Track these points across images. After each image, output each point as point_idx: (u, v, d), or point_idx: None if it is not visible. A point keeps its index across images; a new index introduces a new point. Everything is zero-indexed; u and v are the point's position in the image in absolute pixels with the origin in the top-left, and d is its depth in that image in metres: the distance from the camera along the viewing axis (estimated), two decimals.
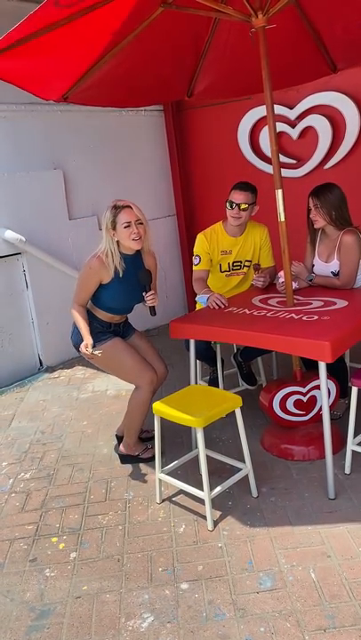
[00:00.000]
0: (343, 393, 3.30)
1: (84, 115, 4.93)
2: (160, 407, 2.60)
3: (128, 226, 2.81)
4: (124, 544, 2.49)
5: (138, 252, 2.96)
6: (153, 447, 3.08)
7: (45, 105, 4.55)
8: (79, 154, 4.95)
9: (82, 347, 2.86)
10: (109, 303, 2.97)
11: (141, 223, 2.86)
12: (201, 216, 5.72)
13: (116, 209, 2.84)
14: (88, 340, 2.85)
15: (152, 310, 2.99)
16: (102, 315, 3.01)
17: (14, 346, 4.59)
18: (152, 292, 2.94)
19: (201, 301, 3.30)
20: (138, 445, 3.18)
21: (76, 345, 3.00)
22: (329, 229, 3.24)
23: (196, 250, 3.48)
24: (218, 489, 2.56)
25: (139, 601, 2.15)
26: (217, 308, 3.11)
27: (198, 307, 3.62)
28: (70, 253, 4.85)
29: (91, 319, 2.97)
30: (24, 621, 2.11)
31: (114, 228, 2.83)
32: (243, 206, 3.30)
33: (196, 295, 3.65)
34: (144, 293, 2.94)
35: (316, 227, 3.27)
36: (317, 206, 3.17)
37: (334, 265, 3.24)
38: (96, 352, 2.81)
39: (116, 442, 3.36)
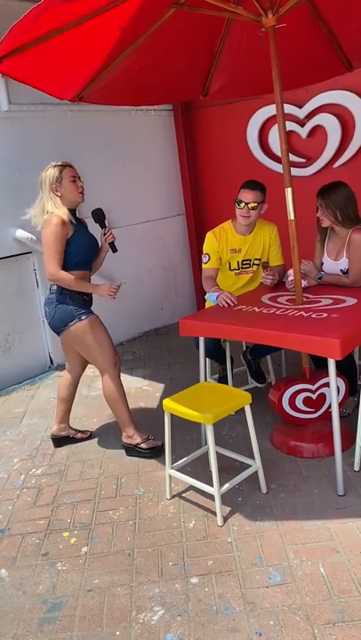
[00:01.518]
0: (353, 391, 3.31)
1: (93, 115, 4.96)
2: (170, 404, 2.62)
3: (74, 180, 3.03)
4: (134, 539, 2.52)
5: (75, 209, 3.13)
6: (154, 439, 3.17)
7: (56, 105, 4.59)
8: (89, 154, 4.98)
9: (106, 290, 2.99)
10: (78, 255, 3.05)
11: (80, 179, 3.08)
12: (210, 215, 5.74)
13: (60, 166, 3.03)
14: (103, 286, 3.03)
15: (112, 247, 3.17)
16: (79, 279, 3.06)
17: (25, 344, 4.64)
18: (108, 227, 3.17)
19: (210, 299, 3.32)
20: (137, 434, 3.21)
21: (61, 327, 3.08)
22: (338, 228, 3.25)
23: (205, 248, 3.50)
24: (227, 485, 2.59)
25: (149, 594, 2.17)
26: (226, 306, 3.13)
27: (208, 305, 3.64)
28: None
29: (69, 292, 3.06)
30: (36, 614, 2.15)
31: (60, 182, 2.99)
32: (252, 205, 3.31)
33: (205, 294, 3.69)
34: (102, 231, 3.16)
35: (322, 226, 3.28)
36: (322, 206, 3.18)
37: (343, 263, 3.25)
38: (123, 285, 3.10)
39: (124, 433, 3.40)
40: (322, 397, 3.02)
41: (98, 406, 3.98)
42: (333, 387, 2.58)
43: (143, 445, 3.17)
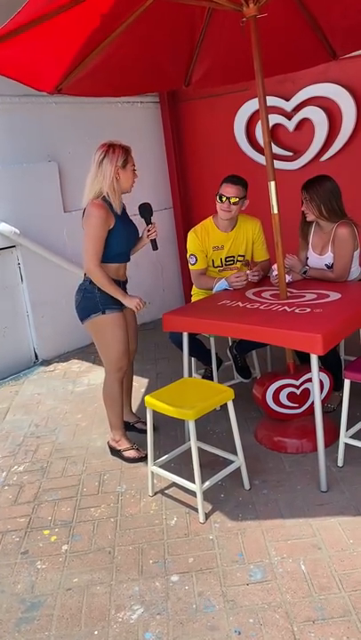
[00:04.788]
0: (337, 386, 3.29)
1: (78, 106, 4.90)
2: (152, 400, 2.59)
3: (135, 169, 2.93)
4: (115, 536, 2.49)
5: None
6: (138, 448, 3.10)
7: (40, 97, 4.52)
8: (74, 146, 4.92)
9: (135, 304, 2.88)
10: (117, 248, 2.93)
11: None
12: (198, 209, 5.70)
13: (128, 151, 2.93)
14: (133, 299, 2.90)
15: (154, 244, 3.04)
16: (113, 271, 2.96)
17: (9, 339, 4.59)
18: (153, 224, 3.04)
19: (221, 287, 3.29)
20: (123, 441, 3.14)
21: (84, 316, 2.97)
22: (322, 222, 3.23)
23: (190, 249, 3.46)
24: (209, 482, 2.56)
25: (129, 593, 2.15)
26: (243, 285, 3.20)
27: (194, 298, 3.61)
28: (65, 246, 4.83)
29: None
30: (14, 613, 2.12)
31: (124, 167, 2.87)
32: (233, 200, 3.27)
33: (191, 287, 3.66)
34: (147, 226, 3.04)
35: (308, 219, 3.26)
36: (307, 200, 3.16)
37: (328, 257, 3.22)
38: (147, 305, 2.98)
39: (110, 435, 3.37)
40: (306, 392, 3.00)
41: (82, 402, 3.95)
42: (316, 382, 2.56)
43: (126, 454, 3.10)
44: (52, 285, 4.69)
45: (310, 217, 3.20)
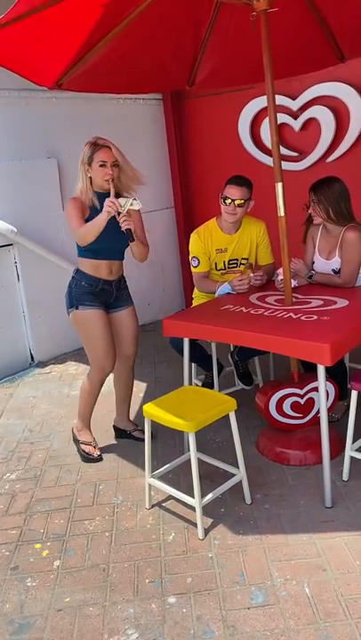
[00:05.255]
0: (342, 395, 3.18)
1: (80, 102, 4.78)
2: (150, 409, 2.48)
3: (103, 165, 2.79)
4: (110, 552, 2.38)
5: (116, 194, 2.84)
6: (96, 446, 3.12)
7: (40, 92, 4.40)
8: (74, 142, 4.73)
9: (105, 207, 2.66)
10: (92, 243, 2.80)
11: (117, 165, 2.82)
12: (199, 209, 5.58)
13: (96, 146, 2.81)
14: (104, 208, 2.68)
15: (129, 234, 2.78)
16: (89, 267, 2.91)
17: (4, 340, 4.47)
18: (121, 214, 2.74)
19: (223, 291, 3.19)
20: (84, 432, 3.17)
21: (67, 308, 2.96)
22: (330, 225, 3.12)
23: (192, 251, 3.35)
24: (209, 496, 2.45)
25: (123, 615, 2.04)
26: (246, 289, 3.10)
27: (196, 302, 3.50)
28: (64, 245, 4.71)
29: (79, 278, 2.93)
30: (1, 635, 2.00)
31: (89, 163, 2.80)
32: (238, 202, 3.16)
33: (193, 288, 3.54)
34: (117, 217, 2.77)
35: (315, 222, 3.15)
36: (315, 202, 3.04)
37: (335, 262, 3.11)
38: (130, 203, 2.71)
39: (105, 443, 3.27)
40: (310, 402, 2.89)
41: (75, 407, 3.82)
42: (323, 393, 2.45)
43: (82, 447, 3.13)
44: (50, 285, 4.56)
45: (318, 220, 3.09)
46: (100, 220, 2.70)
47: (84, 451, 3.12)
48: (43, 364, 4.64)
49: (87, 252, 2.89)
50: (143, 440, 2.90)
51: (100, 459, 3.09)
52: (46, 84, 3.14)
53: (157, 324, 5.45)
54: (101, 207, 2.78)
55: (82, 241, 2.81)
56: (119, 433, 3.32)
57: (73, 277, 2.97)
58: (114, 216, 2.82)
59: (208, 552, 2.32)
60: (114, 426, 3.35)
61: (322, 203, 3.01)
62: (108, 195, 2.80)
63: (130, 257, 3.06)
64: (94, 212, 2.83)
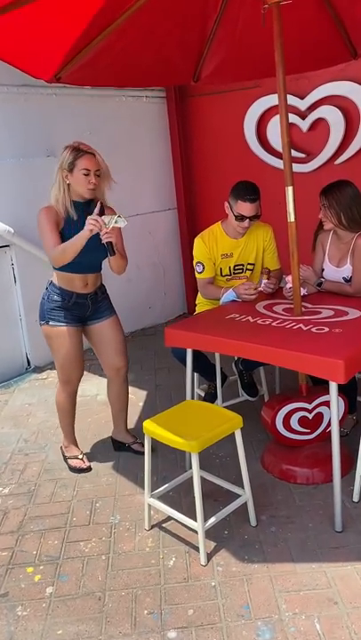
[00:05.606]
0: (351, 408, 3.04)
1: (81, 99, 4.63)
2: (150, 426, 2.33)
3: (87, 174, 2.63)
4: (106, 578, 2.23)
5: (92, 202, 2.70)
6: (84, 459, 3.04)
7: (39, 87, 4.26)
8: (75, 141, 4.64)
9: (88, 226, 2.49)
10: None
11: (99, 175, 2.67)
12: (203, 210, 5.44)
13: (78, 152, 2.63)
14: (86, 225, 2.51)
15: (109, 248, 2.62)
16: (62, 279, 2.77)
17: (0, 344, 4.32)
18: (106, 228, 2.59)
19: (228, 298, 3.05)
20: (70, 447, 3.10)
21: (39, 320, 2.87)
22: (341, 231, 2.97)
23: (196, 256, 3.20)
24: (212, 520, 2.30)
25: None
26: (253, 298, 2.96)
27: (199, 309, 3.36)
28: None
29: (51, 291, 2.80)
30: None
31: (70, 170, 2.62)
32: (254, 217, 3.03)
33: (196, 292, 3.39)
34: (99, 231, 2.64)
35: (325, 228, 3.00)
36: (325, 206, 2.90)
37: (347, 270, 2.97)
38: (114, 220, 2.53)
39: (102, 455, 3.13)
40: (319, 417, 2.75)
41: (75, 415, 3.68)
42: (335, 413, 2.30)
43: (70, 462, 3.05)
44: None
45: (328, 225, 2.94)
46: (81, 239, 2.54)
47: (71, 466, 3.03)
48: (39, 370, 4.49)
49: (64, 265, 2.70)
50: (143, 453, 2.76)
51: (89, 469, 3.01)
52: (44, 76, 2.99)
53: (158, 327, 5.32)
54: (79, 218, 2.64)
55: (57, 261, 2.65)
56: (118, 446, 3.18)
57: (46, 289, 2.84)
58: (82, 224, 2.67)
59: (211, 580, 2.17)
60: (112, 438, 3.21)
61: (333, 207, 2.86)
62: (86, 204, 2.69)
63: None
64: (69, 222, 2.67)
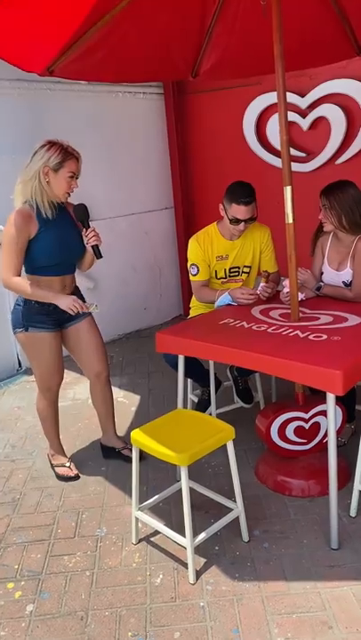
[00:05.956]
0: (350, 417, 2.94)
1: (76, 95, 4.52)
2: (139, 437, 2.22)
3: (72, 177, 2.55)
4: (90, 596, 2.13)
5: (59, 205, 2.64)
6: (71, 466, 2.94)
7: (33, 82, 4.14)
8: (70, 137, 4.42)
9: (67, 304, 2.51)
10: (44, 260, 2.58)
11: (77, 178, 2.60)
12: (201, 210, 5.32)
13: (67, 153, 2.53)
14: (67, 298, 2.54)
15: (96, 251, 2.63)
16: (41, 284, 2.62)
17: None
18: (91, 228, 2.63)
19: (223, 302, 2.94)
20: (57, 456, 3.01)
21: (13, 328, 2.71)
22: (341, 234, 2.86)
23: (191, 258, 3.08)
24: (202, 536, 2.19)
25: None
26: (250, 303, 2.87)
27: (193, 312, 3.25)
28: None
29: (27, 298, 2.63)
30: None
31: (56, 170, 2.50)
32: (249, 219, 2.92)
33: (191, 294, 3.28)
34: (84, 231, 2.63)
35: (325, 230, 2.89)
36: (326, 207, 2.79)
37: (347, 274, 2.86)
38: (92, 307, 2.58)
39: (92, 462, 3.02)
40: (315, 427, 2.64)
41: (65, 419, 3.52)
42: (332, 425, 2.19)
43: (57, 470, 2.96)
44: None
45: (328, 227, 2.83)
46: (48, 299, 2.57)
47: (58, 474, 2.94)
48: (30, 372, 4.38)
49: (39, 269, 2.61)
50: (129, 461, 2.66)
51: (77, 477, 2.91)
52: (36, 70, 2.87)
53: (153, 329, 5.21)
54: (55, 218, 2.57)
55: (7, 287, 2.56)
56: (107, 452, 3.07)
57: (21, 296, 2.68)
58: (71, 225, 2.68)
59: (200, 600, 2.07)
60: (101, 445, 3.10)
61: (334, 209, 2.75)
62: (60, 205, 2.61)
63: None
64: (44, 222, 2.55)
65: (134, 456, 2.29)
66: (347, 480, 2.63)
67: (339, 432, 2.70)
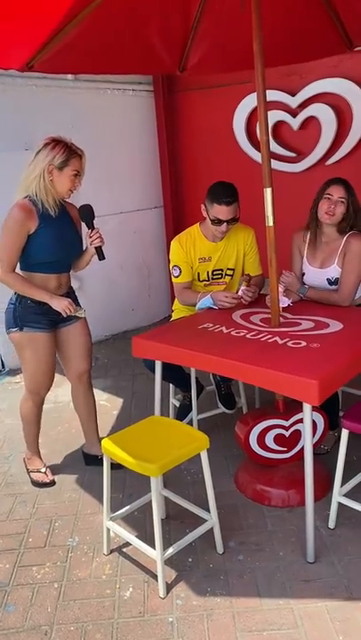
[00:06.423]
0: (333, 424, 2.87)
1: (63, 91, 4.44)
2: (109, 446, 2.15)
3: (76, 175, 2.52)
4: (56, 609, 2.06)
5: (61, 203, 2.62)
6: (47, 472, 2.87)
7: (17, 77, 4.07)
8: (56, 134, 4.45)
9: (63, 306, 2.51)
10: (42, 256, 2.55)
11: (81, 176, 2.59)
12: (190, 209, 5.24)
13: (72, 152, 2.49)
14: (62, 300, 2.54)
15: (100, 252, 2.64)
16: (36, 281, 2.58)
17: None
18: (96, 229, 2.64)
19: (205, 305, 2.87)
20: (33, 459, 2.93)
21: (7, 328, 2.64)
22: (329, 229, 2.80)
23: (173, 259, 3.01)
24: (171, 550, 2.12)
25: None
26: (232, 306, 2.81)
27: (176, 315, 3.18)
28: None
29: (23, 295, 2.58)
30: None
31: (60, 169, 2.48)
32: (231, 220, 2.85)
33: (176, 305, 3.20)
34: (88, 232, 2.62)
35: (326, 221, 2.77)
36: (342, 200, 2.72)
37: (333, 271, 2.80)
38: (80, 312, 2.58)
39: (70, 468, 2.95)
40: (296, 435, 2.57)
41: (45, 423, 3.43)
42: (308, 433, 2.13)
43: (32, 475, 2.88)
44: None
45: (335, 218, 2.75)
46: (41, 297, 2.54)
47: (33, 480, 2.87)
48: (14, 373, 4.31)
49: (36, 265, 2.57)
50: (115, 467, 2.56)
51: (52, 483, 2.84)
52: (15, 65, 2.80)
53: (141, 330, 5.12)
54: (57, 215, 2.54)
55: (5, 282, 2.53)
56: (89, 460, 2.99)
57: (16, 294, 2.62)
58: (70, 224, 2.65)
59: (169, 615, 2.00)
60: (83, 452, 3.03)
61: (352, 206, 2.73)
62: (60, 203, 2.58)
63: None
64: (46, 219, 2.51)
65: (105, 465, 2.22)
66: (327, 489, 2.57)
67: (321, 439, 2.64)
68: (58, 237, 2.55)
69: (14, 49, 2.69)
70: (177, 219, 5.30)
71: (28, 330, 2.60)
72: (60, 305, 2.53)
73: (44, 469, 2.87)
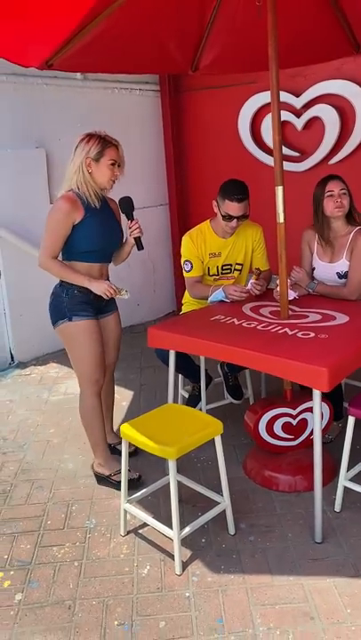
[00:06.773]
0: (337, 415, 2.99)
1: (72, 90, 4.53)
2: (128, 430, 2.26)
3: (114, 164, 2.60)
4: (78, 585, 2.17)
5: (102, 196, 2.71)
6: (130, 471, 2.73)
7: (29, 76, 4.16)
8: (65, 132, 4.53)
9: (103, 289, 2.57)
10: (86, 245, 2.62)
11: (120, 166, 2.66)
12: (195, 207, 5.35)
13: (106, 142, 2.59)
14: (100, 282, 2.60)
15: (139, 243, 2.73)
16: (81, 271, 2.65)
17: None
18: (135, 220, 2.71)
19: (217, 298, 2.97)
20: (108, 463, 2.82)
21: (52, 323, 2.70)
22: (337, 224, 2.92)
23: (184, 254, 3.13)
24: (188, 529, 2.24)
25: None
26: (242, 299, 2.90)
27: (185, 309, 3.29)
28: None
29: (69, 286, 2.64)
30: None
31: (97, 160, 2.57)
32: (242, 217, 2.96)
33: (184, 290, 3.31)
34: (128, 223, 2.70)
35: (338, 214, 2.88)
36: (346, 192, 2.87)
37: (342, 265, 2.91)
38: (123, 293, 2.61)
39: (82, 456, 3.05)
40: (303, 423, 2.69)
41: (57, 413, 3.61)
42: (318, 420, 2.24)
43: (115, 478, 2.74)
44: (34, 282, 4.31)
45: (345, 209, 2.87)
46: (80, 282, 2.60)
47: (119, 482, 2.55)
48: (23, 365, 4.41)
49: (82, 254, 2.64)
50: (130, 454, 2.65)
51: (140, 477, 2.77)
52: (34, 64, 2.89)
53: (146, 325, 5.21)
54: (100, 206, 2.63)
55: (44, 268, 2.62)
56: None
57: (61, 286, 2.66)
58: (112, 216, 2.74)
59: (185, 590, 2.11)
60: None
61: (349, 196, 2.87)
62: (102, 196, 2.66)
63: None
64: (90, 210, 2.59)
65: (124, 449, 2.33)
66: (333, 476, 2.67)
67: (326, 429, 2.75)
68: (102, 227, 2.63)
69: (35, 47, 2.78)
70: (182, 216, 5.41)
71: (78, 319, 2.64)
72: (100, 288, 2.58)
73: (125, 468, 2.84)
